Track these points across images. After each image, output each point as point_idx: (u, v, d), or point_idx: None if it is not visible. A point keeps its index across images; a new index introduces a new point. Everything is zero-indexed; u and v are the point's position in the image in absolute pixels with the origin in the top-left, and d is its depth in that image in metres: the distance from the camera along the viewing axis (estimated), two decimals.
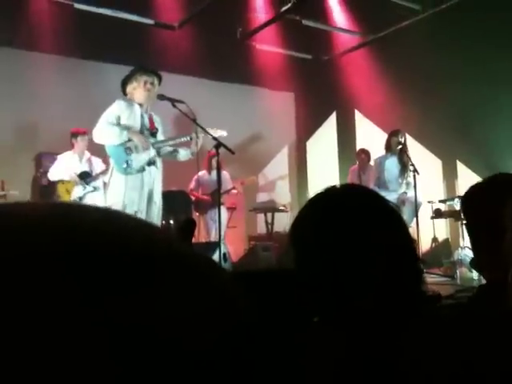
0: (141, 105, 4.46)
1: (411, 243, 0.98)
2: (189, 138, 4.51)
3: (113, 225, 0.29)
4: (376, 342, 0.80)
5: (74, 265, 0.25)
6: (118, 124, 4.37)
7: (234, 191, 6.79)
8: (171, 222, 5.51)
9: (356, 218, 0.94)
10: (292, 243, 0.99)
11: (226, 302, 0.29)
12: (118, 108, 4.39)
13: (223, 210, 6.66)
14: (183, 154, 4.64)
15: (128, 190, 4.30)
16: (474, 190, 1.23)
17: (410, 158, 5.73)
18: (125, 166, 4.30)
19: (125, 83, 4.46)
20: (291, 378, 0.81)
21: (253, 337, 0.29)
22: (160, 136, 4.60)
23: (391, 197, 5.27)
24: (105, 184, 5.65)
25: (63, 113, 6.57)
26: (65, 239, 0.26)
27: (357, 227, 0.92)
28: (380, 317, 0.85)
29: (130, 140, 4.35)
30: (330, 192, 1.02)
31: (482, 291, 1.18)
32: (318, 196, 1.02)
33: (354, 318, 0.87)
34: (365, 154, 7.16)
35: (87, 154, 5.85)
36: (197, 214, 6.66)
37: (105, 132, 4.34)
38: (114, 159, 4.38)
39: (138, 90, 4.42)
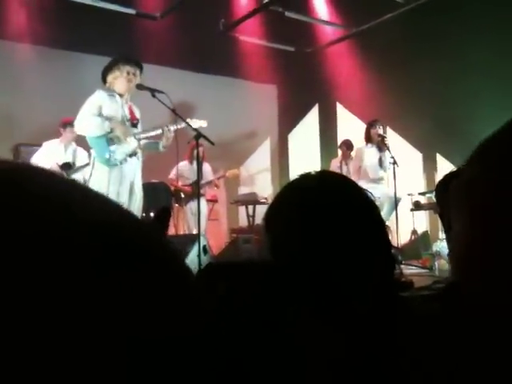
0: (121, 95, 4.41)
1: (384, 231, 0.97)
2: (160, 131, 4.49)
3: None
4: (375, 342, 0.80)
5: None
6: (100, 114, 4.31)
7: (215, 188, 6.77)
8: (151, 214, 5.47)
9: (329, 205, 0.93)
10: (266, 231, 0.98)
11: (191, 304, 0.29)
12: (99, 98, 4.33)
13: (203, 201, 6.62)
14: (158, 147, 4.63)
15: (111, 182, 4.25)
16: (446, 179, 1.24)
17: (388, 148, 5.77)
18: (107, 157, 4.25)
19: (106, 72, 4.39)
20: (289, 378, 0.80)
21: (217, 339, 0.29)
22: (140, 127, 4.57)
23: (373, 189, 5.30)
24: (84, 178, 5.60)
25: (42, 103, 6.47)
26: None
27: (329, 215, 0.92)
28: (369, 315, 0.85)
29: (112, 131, 4.31)
30: (304, 179, 1.01)
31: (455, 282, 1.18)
32: (293, 183, 1.02)
33: (352, 318, 0.86)
34: (347, 145, 7.19)
35: (73, 145, 5.76)
36: (176, 205, 6.62)
37: (87, 123, 4.28)
38: (96, 150, 4.33)
39: (119, 79, 4.36)
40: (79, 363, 0.22)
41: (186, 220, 6.59)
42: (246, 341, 0.79)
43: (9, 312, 0.22)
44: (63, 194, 0.27)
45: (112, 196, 4.21)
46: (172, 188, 6.55)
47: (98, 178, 4.28)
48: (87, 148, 5.51)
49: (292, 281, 0.94)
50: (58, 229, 0.24)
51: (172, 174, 6.56)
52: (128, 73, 4.35)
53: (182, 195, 6.55)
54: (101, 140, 4.29)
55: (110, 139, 4.29)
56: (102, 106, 4.32)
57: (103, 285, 0.24)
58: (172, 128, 4.46)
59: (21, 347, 0.21)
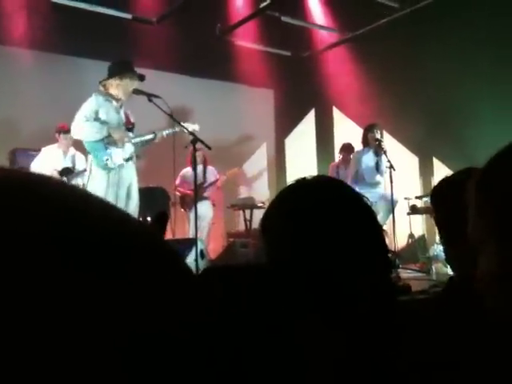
0: (117, 100, 4.42)
1: (380, 234, 0.98)
2: (153, 136, 4.53)
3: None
4: (375, 343, 0.80)
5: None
6: (97, 119, 4.31)
7: (218, 183, 6.81)
8: (148, 218, 5.46)
9: (324, 209, 0.94)
10: (262, 235, 0.99)
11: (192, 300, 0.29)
12: (95, 103, 4.34)
13: (209, 205, 6.68)
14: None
15: (109, 187, 4.27)
16: (443, 184, 1.25)
17: (385, 152, 5.78)
18: (105, 161, 4.26)
19: (111, 76, 4.38)
20: (289, 378, 0.80)
21: (218, 336, 0.29)
22: (135, 132, 4.58)
23: (370, 193, 5.31)
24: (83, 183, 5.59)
25: (39, 108, 6.47)
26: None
27: (325, 219, 0.92)
28: (369, 316, 0.85)
29: (109, 135, 4.32)
30: (299, 184, 1.02)
31: (451, 285, 1.19)
32: (289, 188, 1.02)
33: (352, 319, 0.86)
34: (345, 149, 7.18)
35: (72, 151, 5.76)
36: (182, 209, 6.67)
37: (85, 127, 4.28)
38: (93, 155, 4.34)
39: (120, 86, 4.37)
40: (75, 362, 0.23)
41: (190, 224, 6.61)
42: (243, 343, 0.79)
43: (7, 307, 0.22)
44: (64, 197, 0.28)
45: (110, 200, 4.22)
46: (179, 194, 6.60)
47: (95, 183, 4.29)
48: (86, 153, 5.53)
49: (289, 284, 0.94)
50: (60, 228, 0.25)
51: (177, 181, 6.65)
52: (130, 84, 4.37)
53: (188, 200, 6.59)
54: (98, 144, 4.29)
55: (107, 144, 4.30)
56: (98, 111, 4.33)
57: (103, 282, 0.24)
58: (164, 133, 4.50)
59: (26, 343, 0.22)
